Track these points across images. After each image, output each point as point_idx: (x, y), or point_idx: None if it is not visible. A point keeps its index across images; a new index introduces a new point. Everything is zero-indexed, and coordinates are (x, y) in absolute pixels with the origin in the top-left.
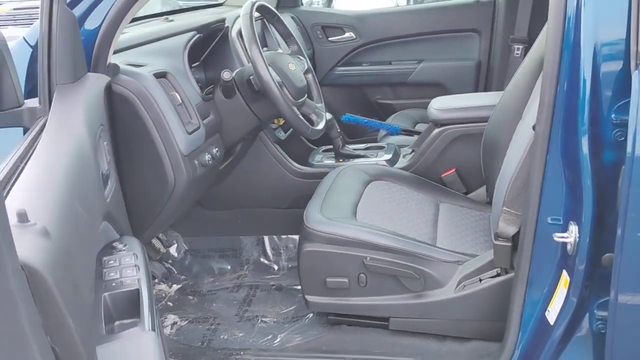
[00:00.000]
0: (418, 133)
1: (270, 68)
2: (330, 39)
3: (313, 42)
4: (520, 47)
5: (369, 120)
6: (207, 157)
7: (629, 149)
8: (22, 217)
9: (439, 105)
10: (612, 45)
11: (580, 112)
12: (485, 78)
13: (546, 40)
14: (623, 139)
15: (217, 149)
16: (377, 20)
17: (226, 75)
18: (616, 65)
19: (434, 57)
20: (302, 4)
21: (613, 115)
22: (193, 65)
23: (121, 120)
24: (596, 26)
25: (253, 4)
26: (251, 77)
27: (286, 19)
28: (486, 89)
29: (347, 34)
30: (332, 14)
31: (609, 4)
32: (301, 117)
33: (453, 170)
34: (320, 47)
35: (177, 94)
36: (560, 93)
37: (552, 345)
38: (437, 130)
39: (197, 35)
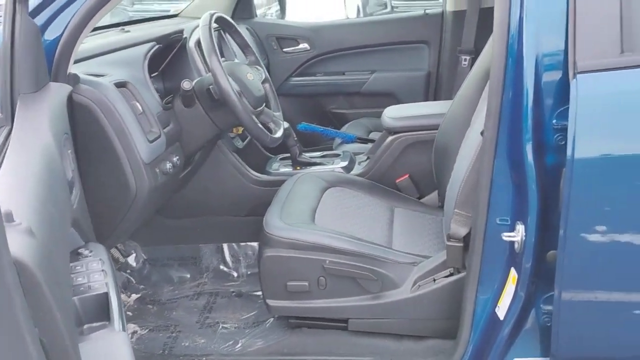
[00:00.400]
0: (372, 141)
1: (229, 78)
2: (284, 49)
3: (268, 53)
4: (468, 58)
5: (325, 129)
6: (168, 165)
7: (569, 152)
8: (9, 217)
9: (392, 114)
10: (552, 56)
11: (524, 118)
12: (434, 87)
13: (492, 51)
14: (564, 143)
15: (177, 157)
16: (330, 32)
17: (186, 84)
18: (556, 75)
19: (385, 67)
20: (256, 16)
21: (554, 121)
22: (152, 75)
23: (83, 129)
24: (537, 38)
25: (212, 16)
26: (210, 86)
27: (241, 30)
28: (436, 98)
29: (301, 45)
30: (286, 26)
31: (548, 17)
32: (260, 125)
33: (407, 176)
34: (275, 57)
35: (137, 104)
36: (506, 101)
37: (502, 339)
38: (390, 138)
39: (157, 46)
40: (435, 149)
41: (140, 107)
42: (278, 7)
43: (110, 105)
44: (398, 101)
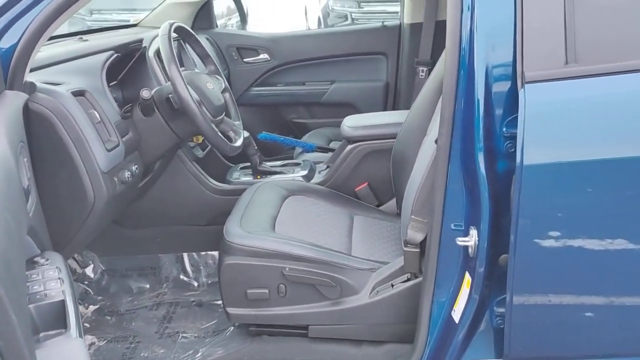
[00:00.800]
0: (332, 150)
1: (188, 87)
2: (245, 60)
3: (228, 63)
4: (425, 69)
5: (285, 138)
6: (127, 174)
7: (518, 159)
8: None
9: (351, 123)
10: (502, 67)
11: (475, 127)
12: (393, 98)
13: (444, 63)
14: (513, 150)
15: (136, 166)
16: (290, 43)
17: (145, 93)
18: (505, 85)
19: (345, 78)
20: (217, 26)
21: (504, 129)
22: (110, 84)
23: (39, 138)
24: (487, 50)
25: (171, 25)
26: (170, 95)
27: (201, 40)
28: (394, 108)
29: (261, 55)
30: (246, 36)
31: (497, 30)
32: (220, 134)
33: (366, 184)
34: (235, 67)
35: (95, 112)
36: (458, 110)
37: (458, 342)
38: (349, 147)
39: (115, 55)
40: (393, 157)
41: (98, 116)
42: (239, 18)
43: (67, 114)
44: (357, 111)
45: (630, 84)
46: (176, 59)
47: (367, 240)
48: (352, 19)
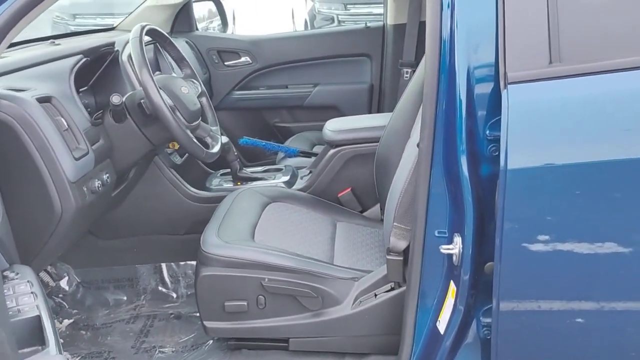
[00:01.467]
0: (315, 154)
1: (162, 91)
2: (226, 63)
3: (209, 67)
4: (409, 70)
5: (267, 142)
6: (97, 183)
7: (502, 162)
8: None
9: (334, 127)
10: (484, 68)
11: (458, 130)
12: (377, 100)
13: (425, 64)
14: (497, 153)
15: (107, 174)
16: (271, 45)
17: (115, 99)
18: (488, 86)
19: (328, 80)
20: (197, 29)
21: (487, 132)
22: (81, 89)
23: (2, 147)
24: (468, 50)
25: (143, 28)
26: (142, 100)
27: (180, 43)
28: (379, 110)
29: (242, 59)
30: (227, 39)
31: (478, 30)
32: (195, 140)
33: (349, 189)
34: (216, 71)
35: (62, 119)
36: (440, 112)
37: (444, 354)
38: (332, 151)
39: (84, 59)
40: (376, 161)
41: (65, 123)
42: (220, 21)
43: (31, 121)
44: (341, 114)
45: (617, 83)
46: (147, 62)
47: (350, 248)
48: (339, 21)
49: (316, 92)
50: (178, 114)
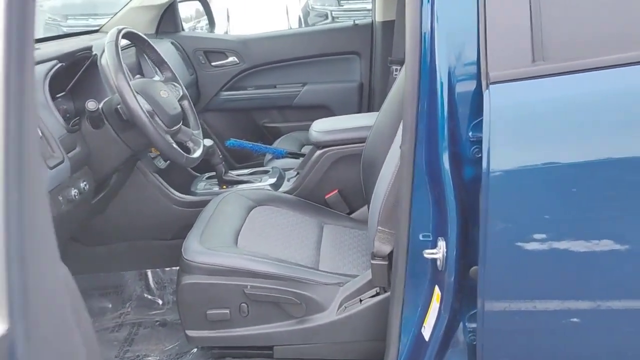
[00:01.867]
0: (304, 155)
1: (139, 96)
2: (213, 63)
3: (196, 68)
4: (398, 68)
5: (254, 144)
6: (74, 192)
7: (484, 164)
8: None
9: (320, 128)
10: (465, 67)
11: (440, 131)
12: (367, 99)
13: (405, 62)
14: (480, 155)
15: (85, 182)
16: (259, 45)
17: (91, 105)
18: (470, 86)
19: (317, 79)
20: (183, 30)
21: (470, 133)
22: (58, 95)
23: None
24: (449, 49)
25: (119, 31)
26: (119, 106)
27: (166, 44)
28: (369, 109)
29: (230, 59)
30: (213, 39)
31: (459, 28)
32: (175, 145)
33: (336, 191)
34: (203, 72)
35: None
36: (422, 113)
37: None
38: (318, 153)
39: (59, 64)
40: (362, 162)
41: (39, 131)
42: (207, 21)
43: None
44: (331, 113)
45: (602, 81)
46: (123, 66)
47: (336, 252)
48: (333, 17)
49: (305, 92)
50: (157, 118)
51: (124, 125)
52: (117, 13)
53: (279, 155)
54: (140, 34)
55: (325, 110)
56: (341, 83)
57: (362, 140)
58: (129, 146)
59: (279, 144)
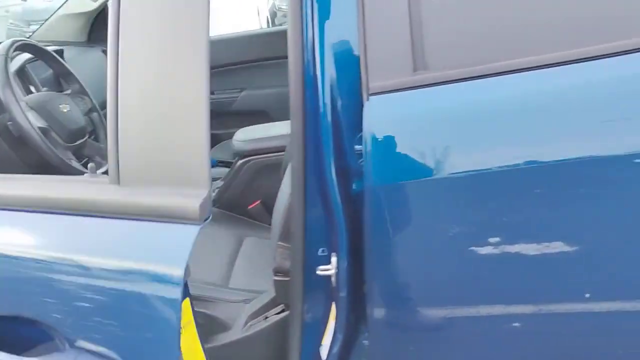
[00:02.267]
0: None
1: (32, 112)
2: None
3: None
4: None
5: None
6: None
7: (365, 178)
8: None
9: (241, 137)
10: (347, 78)
11: (324, 144)
12: None
13: (288, 73)
14: None
15: None
16: None
17: None
18: (353, 97)
19: (255, 85)
20: None
21: (356, 146)
22: None
23: None
24: (330, 59)
25: (13, 43)
26: (9, 123)
27: (96, 53)
28: None
29: None
30: None
31: (340, 36)
32: (74, 161)
33: (259, 202)
34: None
35: None
36: (309, 125)
37: None
38: (240, 162)
39: None
40: (283, 172)
41: None
42: None
43: None
44: (271, 119)
45: (485, 90)
46: (10, 81)
47: (251, 266)
48: None
49: (242, 97)
50: (53, 134)
51: (16, 142)
52: (45, 21)
53: (211, 165)
54: (39, 45)
55: (264, 116)
56: (282, 88)
57: (284, 149)
58: (27, 163)
59: (214, 153)
